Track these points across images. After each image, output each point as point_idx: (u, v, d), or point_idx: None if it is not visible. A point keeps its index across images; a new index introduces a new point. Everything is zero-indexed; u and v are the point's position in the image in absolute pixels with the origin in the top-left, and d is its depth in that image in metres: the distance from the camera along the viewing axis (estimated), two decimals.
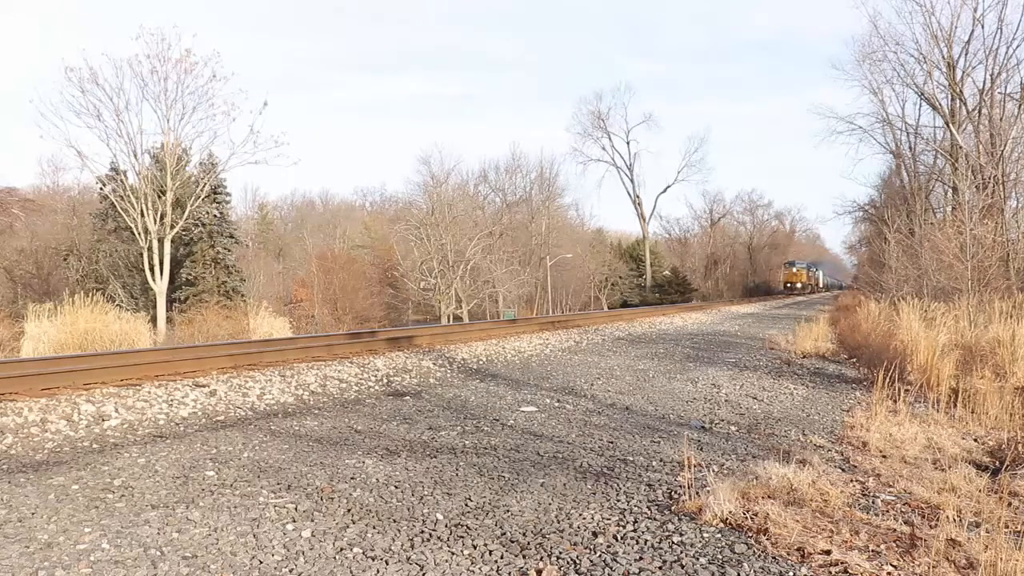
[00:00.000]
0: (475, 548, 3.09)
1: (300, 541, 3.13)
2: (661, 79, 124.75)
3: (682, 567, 2.93)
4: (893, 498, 3.98)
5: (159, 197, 25.39)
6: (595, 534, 3.29)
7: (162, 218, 25.32)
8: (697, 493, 3.78)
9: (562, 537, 3.25)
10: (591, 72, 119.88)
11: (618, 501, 3.78)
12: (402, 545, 3.11)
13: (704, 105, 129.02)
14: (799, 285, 66.90)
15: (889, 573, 2.90)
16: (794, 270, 68.11)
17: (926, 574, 2.89)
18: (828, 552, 3.03)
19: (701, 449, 4.97)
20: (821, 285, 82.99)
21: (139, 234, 25.28)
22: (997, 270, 16.12)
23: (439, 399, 6.75)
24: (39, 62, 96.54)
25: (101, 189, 34.07)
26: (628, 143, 64.67)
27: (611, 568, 2.91)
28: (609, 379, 8.34)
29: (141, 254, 26.33)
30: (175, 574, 2.78)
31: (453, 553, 3.04)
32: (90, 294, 17.29)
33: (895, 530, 3.38)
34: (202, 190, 27.04)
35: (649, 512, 3.61)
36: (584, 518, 3.50)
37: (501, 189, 54.74)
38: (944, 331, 10.21)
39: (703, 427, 5.81)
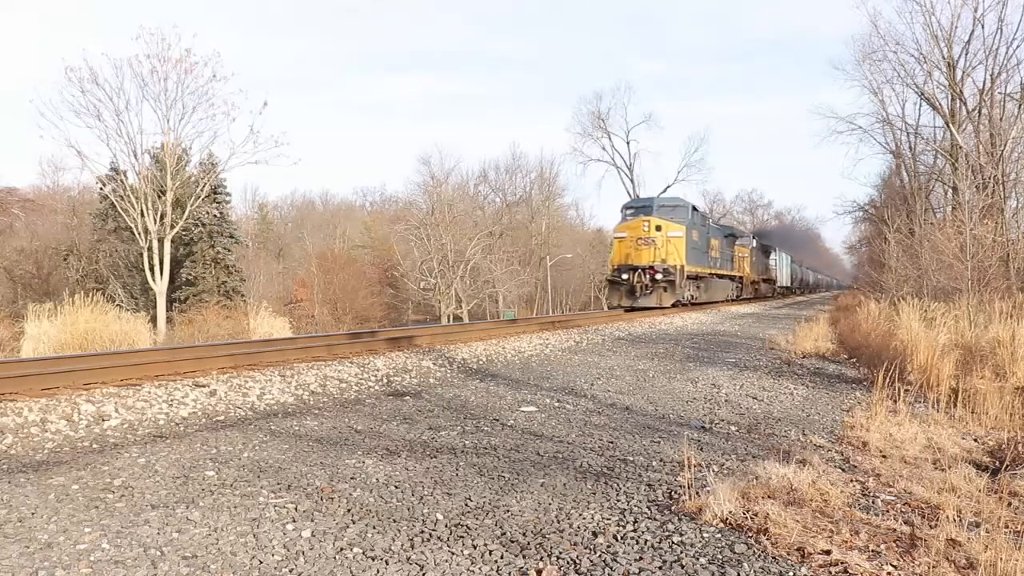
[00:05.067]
0: (475, 548, 3.09)
1: (300, 541, 3.13)
2: (661, 79, 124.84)
3: (682, 567, 2.93)
4: (893, 498, 3.98)
5: (159, 197, 25.40)
6: (595, 534, 3.29)
7: (162, 218, 25.33)
8: (697, 493, 3.78)
9: (562, 537, 3.24)
10: (591, 72, 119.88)
11: (618, 501, 3.78)
12: (402, 545, 3.11)
13: (704, 105, 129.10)
14: (657, 279, 22.11)
15: (889, 573, 2.90)
16: (652, 233, 22.56)
17: (926, 574, 2.89)
18: (828, 552, 3.03)
19: (701, 449, 4.96)
20: (786, 282, 48.24)
21: (139, 234, 25.29)
22: (997, 270, 16.13)
23: (439, 399, 6.75)
24: (39, 62, 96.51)
25: (101, 189, 34.10)
26: (628, 143, 64.55)
27: (611, 568, 2.91)
28: (609, 379, 8.34)
29: (141, 254, 26.35)
30: (175, 574, 2.78)
31: (453, 553, 3.04)
32: (90, 294, 17.31)
33: (895, 530, 3.38)
34: (202, 190, 27.04)
35: (649, 512, 3.61)
36: (584, 518, 3.50)
37: (501, 189, 54.83)
38: (944, 331, 10.21)
39: (703, 427, 5.81)
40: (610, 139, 64.20)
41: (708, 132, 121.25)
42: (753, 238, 39.57)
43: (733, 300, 32.57)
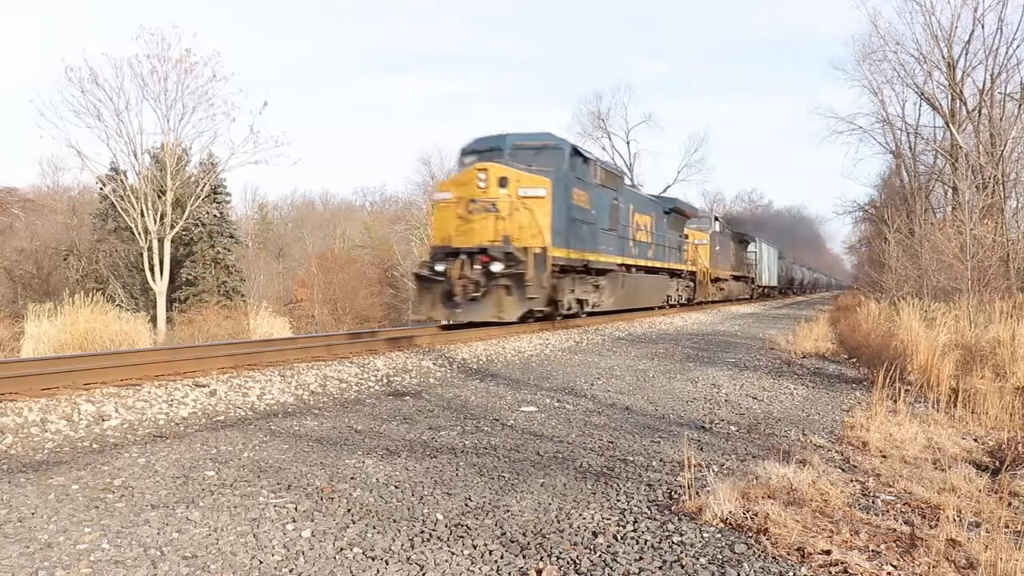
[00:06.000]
0: (475, 548, 3.09)
1: (300, 541, 3.13)
2: (661, 79, 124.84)
3: (682, 567, 2.93)
4: (893, 498, 3.98)
5: (159, 197, 25.42)
6: (595, 534, 3.29)
7: (162, 218, 25.36)
8: (697, 493, 3.78)
9: (562, 537, 3.24)
10: (591, 72, 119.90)
11: (618, 501, 3.78)
12: (402, 545, 3.11)
13: (704, 105, 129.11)
14: (492, 271, 12.31)
15: (889, 573, 2.90)
16: (492, 191, 12.81)
17: (926, 574, 2.89)
18: (828, 552, 3.03)
19: (701, 449, 4.96)
20: (769, 280, 41.74)
21: (139, 234, 25.32)
22: (997, 270, 16.15)
23: (439, 399, 6.75)
24: (39, 62, 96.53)
25: (101, 189, 34.12)
26: (628, 143, 64.46)
27: (611, 568, 2.91)
28: (609, 379, 8.34)
29: (141, 254, 26.38)
30: (175, 574, 2.78)
31: (453, 553, 3.04)
32: (90, 294, 17.35)
33: (895, 530, 3.38)
34: (202, 190, 27.07)
35: (649, 512, 3.61)
36: (584, 518, 3.50)
37: None
38: (944, 331, 10.23)
39: (703, 427, 5.81)
40: (610, 139, 64.06)
41: (708, 132, 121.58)
42: (716, 220, 30.04)
43: (684, 305, 24.19)
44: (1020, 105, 23.72)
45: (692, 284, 25.34)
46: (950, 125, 25.43)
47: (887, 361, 7.59)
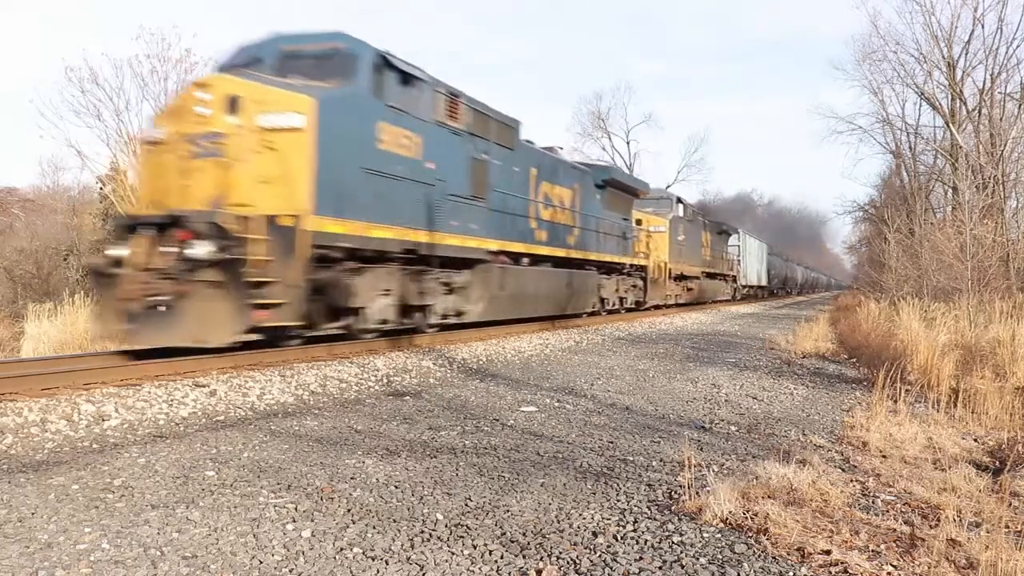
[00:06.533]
0: (475, 548, 3.09)
1: (300, 541, 3.13)
2: (661, 79, 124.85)
3: (682, 567, 2.93)
4: (893, 498, 3.98)
5: None
6: (595, 534, 3.29)
7: None
8: (697, 493, 3.78)
9: (562, 537, 3.24)
10: (591, 72, 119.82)
11: (618, 501, 3.78)
12: (402, 545, 3.11)
13: (704, 105, 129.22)
14: (194, 257, 7.05)
15: (889, 573, 2.90)
16: (217, 120, 7.56)
17: (926, 574, 2.89)
18: (828, 552, 3.03)
19: (701, 449, 4.96)
20: (756, 279, 37.49)
21: None
22: (997, 270, 16.16)
23: (439, 399, 6.75)
24: (39, 62, 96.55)
25: (101, 189, 34.07)
26: (628, 143, 64.37)
27: (611, 568, 2.91)
28: (609, 379, 8.34)
29: None
30: (175, 574, 2.78)
31: (453, 553, 3.04)
32: (90, 294, 17.27)
33: (895, 530, 3.38)
34: None
35: (649, 512, 3.61)
36: (584, 518, 3.50)
37: None
38: (944, 331, 10.24)
39: (703, 427, 5.81)
40: (610, 139, 63.95)
41: (708, 132, 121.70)
42: (679, 202, 24.75)
43: (631, 310, 19.43)
44: (1020, 105, 23.73)
45: (642, 282, 20.00)
46: (950, 125, 25.43)
47: (887, 361, 7.59)
